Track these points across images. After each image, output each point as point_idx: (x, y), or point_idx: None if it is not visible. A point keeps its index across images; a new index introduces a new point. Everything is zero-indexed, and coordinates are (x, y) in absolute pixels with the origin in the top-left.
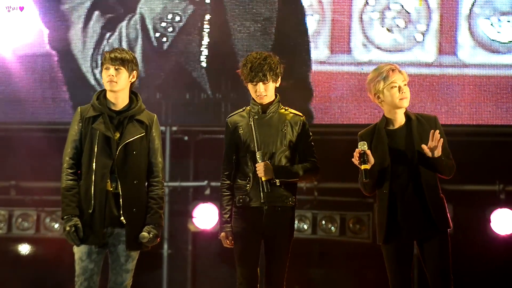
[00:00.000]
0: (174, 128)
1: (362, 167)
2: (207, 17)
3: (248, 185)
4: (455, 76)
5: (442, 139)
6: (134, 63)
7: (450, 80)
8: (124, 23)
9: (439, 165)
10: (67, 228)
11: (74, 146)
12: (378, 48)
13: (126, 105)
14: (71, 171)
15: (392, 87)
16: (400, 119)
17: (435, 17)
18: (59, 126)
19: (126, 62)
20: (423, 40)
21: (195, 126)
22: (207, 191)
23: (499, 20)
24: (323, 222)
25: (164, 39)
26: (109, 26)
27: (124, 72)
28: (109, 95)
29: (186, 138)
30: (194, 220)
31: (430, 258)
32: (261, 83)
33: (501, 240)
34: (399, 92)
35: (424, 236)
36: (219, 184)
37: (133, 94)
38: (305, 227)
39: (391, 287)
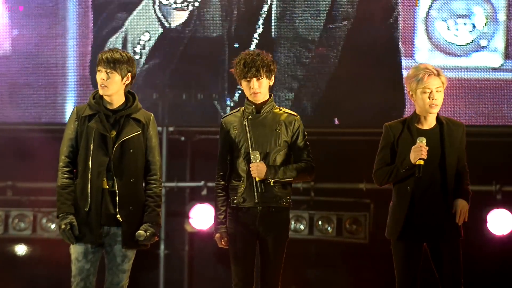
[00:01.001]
0: (171, 129)
1: (418, 162)
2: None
3: (242, 186)
4: None
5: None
6: (128, 65)
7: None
8: (112, 39)
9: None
10: (62, 226)
11: (70, 145)
12: None
13: (122, 104)
14: (67, 169)
15: (424, 92)
16: (430, 121)
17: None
18: (55, 126)
19: (118, 65)
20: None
21: (192, 126)
22: (204, 192)
23: (456, 23)
24: (320, 222)
25: (137, 56)
26: (107, 36)
27: (116, 76)
28: (104, 96)
29: (182, 138)
30: (190, 220)
31: (443, 262)
32: (254, 79)
33: (498, 240)
34: (429, 98)
35: (438, 239)
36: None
37: (129, 94)
38: (302, 227)
39: (398, 285)
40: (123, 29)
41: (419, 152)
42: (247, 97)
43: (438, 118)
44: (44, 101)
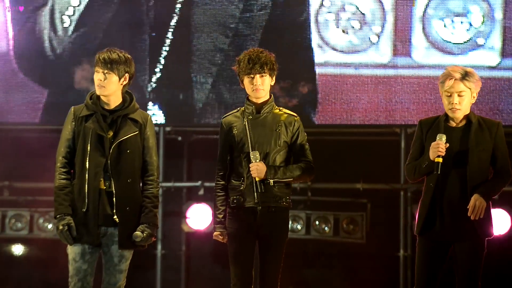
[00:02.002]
0: (168, 129)
1: (437, 159)
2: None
3: (242, 186)
4: (410, 77)
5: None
6: (126, 65)
7: (404, 81)
8: (39, 17)
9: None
10: (60, 227)
11: (67, 145)
12: (334, 49)
13: (119, 104)
14: (64, 170)
15: (446, 95)
16: (460, 119)
17: (390, 18)
18: (52, 126)
19: (115, 65)
20: (378, 41)
21: (189, 126)
22: (201, 192)
23: (453, 21)
24: (317, 222)
25: (66, 24)
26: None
27: (113, 76)
28: (101, 96)
29: (179, 138)
30: (187, 220)
31: (461, 262)
32: (258, 76)
33: (494, 240)
34: (448, 102)
35: (460, 238)
36: (212, 184)
37: (127, 94)
38: (299, 227)
39: (416, 280)
40: (49, 4)
41: (436, 149)
42: (247, 97)
43: (469, 117)
44: (39, 101)
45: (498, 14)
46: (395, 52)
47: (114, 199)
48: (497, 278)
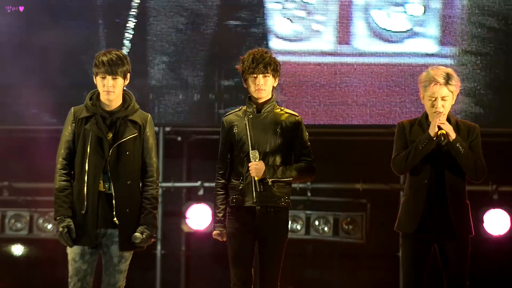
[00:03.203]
0: (167, 129)
1: (440, 131)
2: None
3: (241, 185)
4: (352, 64)
5: (442, 119)
6: (127, 65)
7: (346, 68)
8: None
9: (457, 155)
10: (60, 229)
11: (67, 147)
12: (279, 37)
13: (120, 105)
14: (64, 171)
15: (429, 99)
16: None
17: (333, 8)
18: (52, 127)
19: (120, 68)
20: (322, 30)
21: (188, 126)
22: (201, 192)
23: (393, 10)
24: (316, 222)
25: None
26: None
27: (120, 80)
28: (103, 98)
29: (179, 138)
30: (187, 220)
31: (447, 262)
32: (261, 76)
33: (494, 240)
34: (433, 107)
35: (443, 238)
36: (212, 184)
37: (126, 94)
38: (299, 227)
39: (405, 281)
40: None
41: (436, 122)
42: (249, 96)
43: (448, 119)
44: (39, 102)
45: (436, 4)
46: (338, 41)
47: (113, 201)
48: (497, 279)
